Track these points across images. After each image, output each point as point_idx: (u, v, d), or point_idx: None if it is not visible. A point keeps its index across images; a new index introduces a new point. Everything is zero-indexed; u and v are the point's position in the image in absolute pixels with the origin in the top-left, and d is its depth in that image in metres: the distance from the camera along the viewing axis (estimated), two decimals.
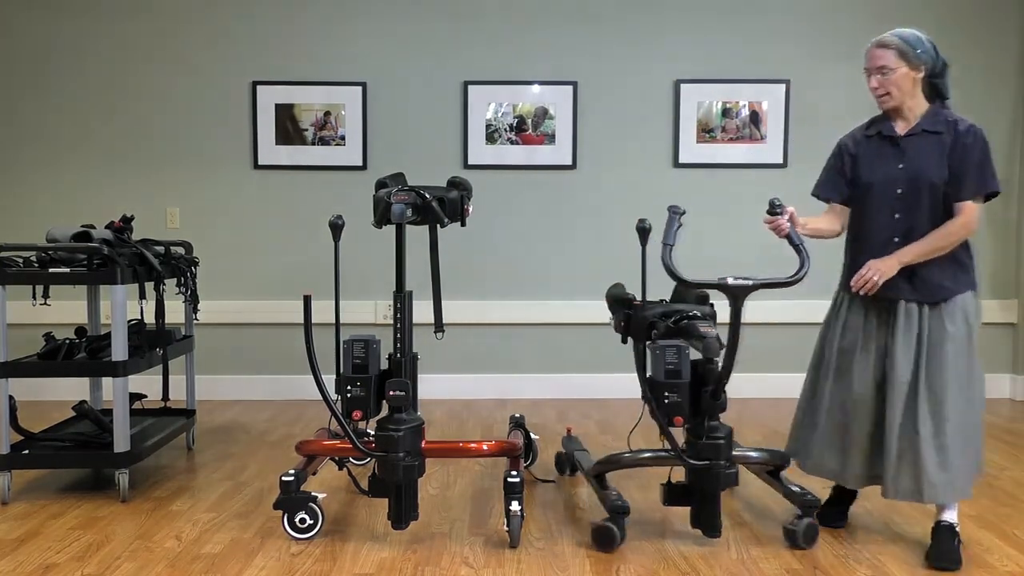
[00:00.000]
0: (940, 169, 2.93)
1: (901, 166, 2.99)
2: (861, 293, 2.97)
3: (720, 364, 2.97)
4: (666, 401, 2.96)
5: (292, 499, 3.16)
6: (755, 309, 5.11)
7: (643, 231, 3.04)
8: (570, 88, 5.68)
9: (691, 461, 2.97)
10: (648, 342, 3.19)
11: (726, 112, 5.70)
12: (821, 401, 3.15)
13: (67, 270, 3.56)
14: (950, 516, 2.99)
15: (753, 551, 3.07)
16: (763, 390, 5.73)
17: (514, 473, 3.11)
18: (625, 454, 3.31)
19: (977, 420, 2.96)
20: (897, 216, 2.99)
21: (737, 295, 2.94)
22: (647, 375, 3.02)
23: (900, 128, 3.02)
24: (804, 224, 3.09)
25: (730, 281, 2.92)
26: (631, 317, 3.37)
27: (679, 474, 3.16)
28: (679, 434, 3.07)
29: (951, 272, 2.96)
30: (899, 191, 2.98)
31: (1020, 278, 5.80)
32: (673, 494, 3.09)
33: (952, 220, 2.92)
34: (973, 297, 2.99)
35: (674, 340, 3.03)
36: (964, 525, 3.28)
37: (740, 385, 5.47)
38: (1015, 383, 5.80)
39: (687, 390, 2.98)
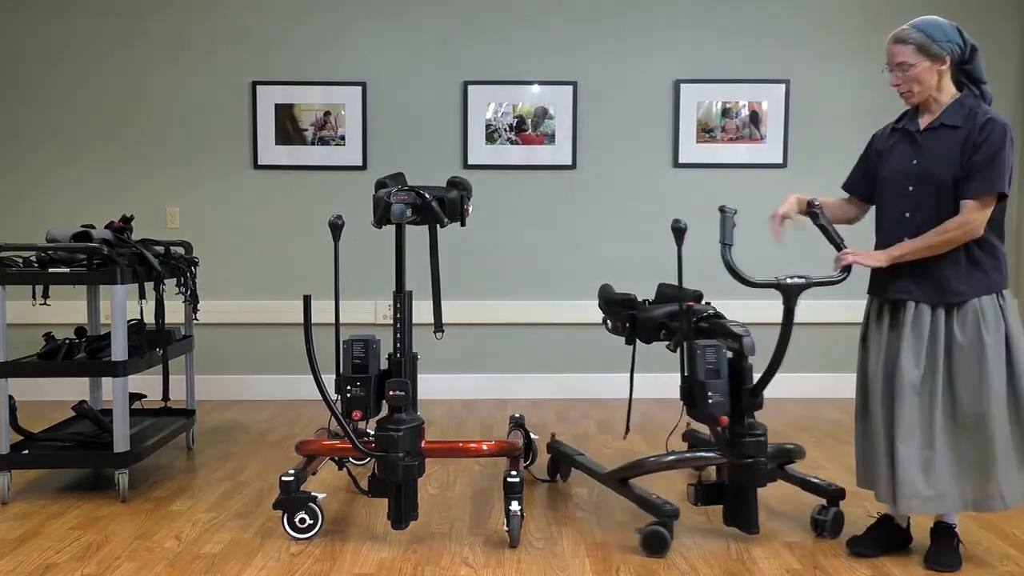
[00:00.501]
0: (951, 166, 2.77)
1: (915, 161, 2.86)
2: (842, 266, 2.92)
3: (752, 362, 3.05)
4: (710, 400, 2.98)
5: (292, 499, 3.16)
6: (753, 309, 5.10)
7: (679, 231, 3.05)
8: (570, 88, 5.68)
9: (738, 459, 2.99)
10: (667, 343, 3.23)
11: (726, 112, 5.70)
12: (857, 412, 3.06)
13: (67, 270, 3.56)
14: (949, 517, 2.96)
15: (753, 551, 3.07)
16: (767, 390, 5.71)
17: (514, 473, 3.11)
18: (650, 458, 3.27)
19: (1001, 434, 2.79)
20: (907, 215, 2.86)
21: (791, 294, 2.97)
22: (689, 375, 3.04)
23: (924, 122, 2.88)
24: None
25: (788, 281, 2.96)
26: (636, 318, 3.38)
27: (698, 474, 3.16)
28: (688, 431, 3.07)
29: (965, 273, 2.79)
30: (910, 188, 2.86)
31: (1020, 278, 5.80)
32: (705, 493, 3.11)
33: (951, 219, 2.77)
34: (994, 301, 2.80)
35: (710, 340, 3.08)
36: (964, 525, 3.28)
37: None
38: None
39: (728, 389, 3.02)
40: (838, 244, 3.02)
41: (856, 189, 3.13)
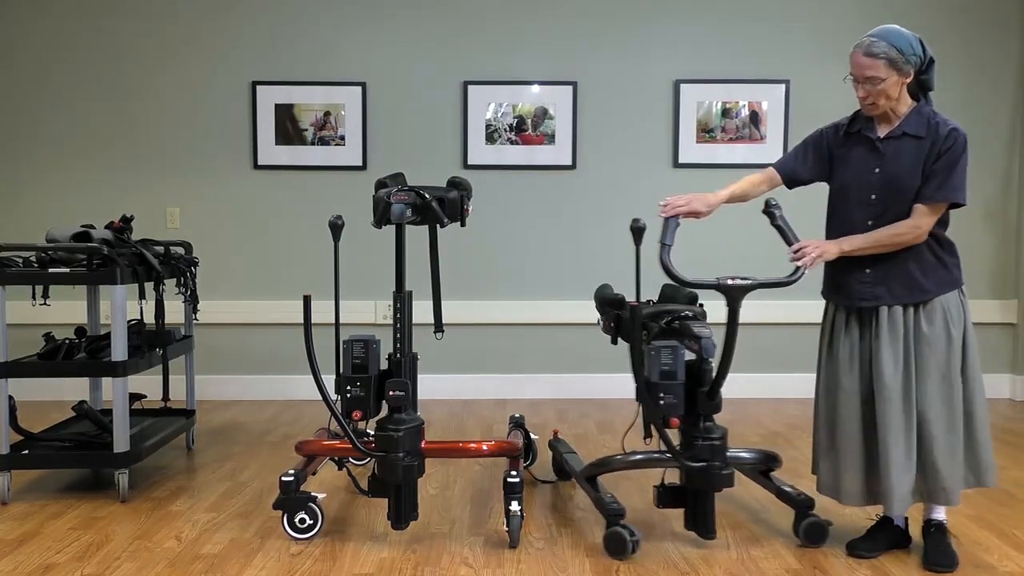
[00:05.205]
0: (915, 175, 2.83)
1: (877, 170, 2.90)
2: (800, 264, 2.87)
3: (715, 365, 2.96)
4: (662, 402, 2.92)
5: (292, 499, 3.16)
6: (751, 308, 5.10)
7: (637, 231, 3.03)
8: (570, 88, 5.68)
9: (687, 462, 2.95)
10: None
11: (726, 112, 5.70)
12: (819, 415, 3.06)
13: (67, 270, 3.56)
14: (938, 514, 2.97)
15: (753, 551, 3.07)
16: (761, 390, 5.73)
17: (514, 473, 3.11)
18: (617, 456, 3.29)
19: (969, 424, 2.87)
20: (870, 223, 2.89)
21: (735, 296, 2.91)
22: (641, 375, 2.98)
23: (882, 130, 2.92)
24: (721, 195, 3.09)
25: (729, 281, 2.89)
26: (622, 318, 3.37)
27: (661, 476, 3.15)
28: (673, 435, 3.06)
29: (931, 271, 2.87)
30: (872, 196, 2.89)
31: (1020, 278, 5.80)
32: (666, 496, 3.07)
33: (903, 221, 2.82)
34: (956, 297, 2.89)
35: (669, 341, 3.01)
36: (964, 525, 3.29)
37: (738, 385, 5.45)
38: (1015, 383, 5.80)
39: (682, 391, 2.95)
40: (791, 244, 2.97)
41: (794, 176, 3.10)
